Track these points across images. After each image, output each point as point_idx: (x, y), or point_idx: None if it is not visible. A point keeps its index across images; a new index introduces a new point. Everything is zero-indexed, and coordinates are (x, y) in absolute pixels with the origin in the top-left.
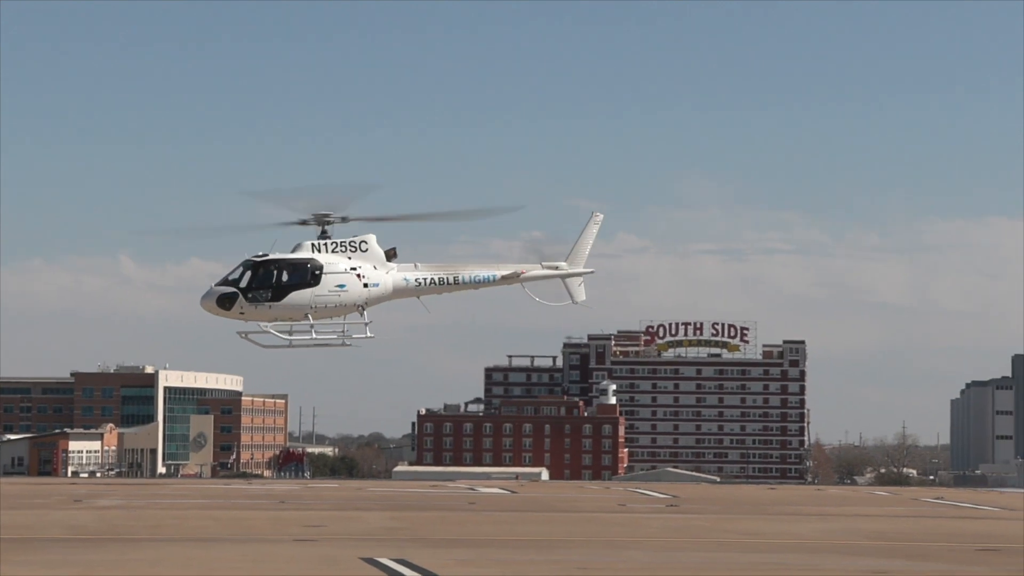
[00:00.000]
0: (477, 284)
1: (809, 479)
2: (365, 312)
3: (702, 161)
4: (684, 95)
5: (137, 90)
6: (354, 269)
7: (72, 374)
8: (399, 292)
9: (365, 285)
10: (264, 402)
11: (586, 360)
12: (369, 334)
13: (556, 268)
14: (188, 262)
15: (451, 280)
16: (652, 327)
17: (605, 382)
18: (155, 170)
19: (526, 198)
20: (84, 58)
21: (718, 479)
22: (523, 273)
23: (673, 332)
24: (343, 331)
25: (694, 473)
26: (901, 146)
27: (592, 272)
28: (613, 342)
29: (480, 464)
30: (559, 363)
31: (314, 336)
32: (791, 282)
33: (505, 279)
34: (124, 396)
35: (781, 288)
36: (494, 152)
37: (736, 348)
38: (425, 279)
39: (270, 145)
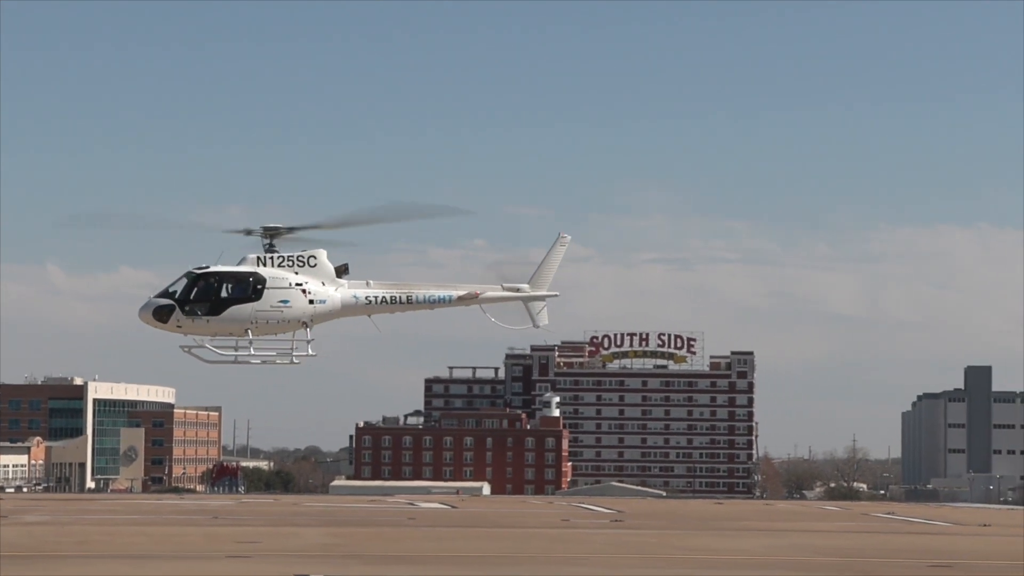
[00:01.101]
0: (432, 304)
1: (757, 493)
2: (310, 329)
3: (647, 168)
4: (629, 102)
5: (66, 94)
6: (300, 284)
7: None
8: (348, 309)
9: (311, 301)
10: (197, 415)
11: (529, 371)
12: (311, 352)
13: (517, 290)
14: (118, 271)
15: (404, 299)
16: (597, 338)
17: (548, 394)
18: (86, 175)
19: (468, 205)
20: (10, 62)
21: (664, 493)
22: (480, 294)
23: (618, 343)
24: (290, 347)
25: (640, 487)
26: (850, 153)
27: (556, 295)
28: (557, 353)
29: (420, 478)
30: (501, 374)
31: (253, 352)
32: (739, 292)
33: (462, 300)
34: (52, 408)
35: (728, 298)
36: (436, 159)
37: (683, 359)
38: (376, 297)
39: (209, 153)
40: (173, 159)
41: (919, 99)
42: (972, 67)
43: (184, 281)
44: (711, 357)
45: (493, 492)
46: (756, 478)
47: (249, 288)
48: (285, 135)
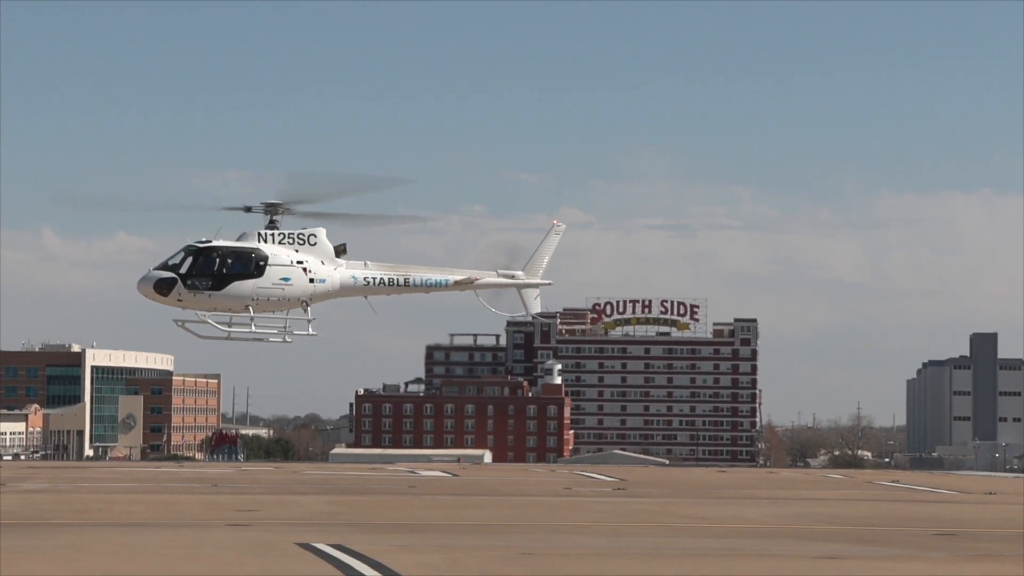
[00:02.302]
0: (428, 287)
1: (761, 462)
2: (309, 308)
3: (648, 134)
4: (629, 67)
5: (59, 56)
6: (300, 263)
7: None
8: (346, 290)
9: (311, 280)
10: (196, 382)
11: (530, 339)
12: (312, 331)
13: (512, 277)
14: (115, 237)
15: (401, 282)
16: (599, 305)
17: (550, 361)
18: (80, 139)
19: (467, 171)
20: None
21: (667, 462)
22: (477, 280)
23: (620, 310)
24: (284, 326)
25: (642, 455)
26: (852, 119)
27: (550, 284)
28: (558, 320)
29: (421, 446)
30: (503, 342)
31: (253, 330)
32: (741, 258)
33: (458, 284)
34: (49, 376)
35: (730, 265)
36: (435, 124)
37: (685, 327)
38: (374, 278)
39: (202, 119)
40: (171, 122)
41: (921, 64)
42: (975, 32)
43: (184, 254)
44: (714, 324)
45: (494, 460)
46: (759, 446)
47: (252, 264)
48: (284, 98)
